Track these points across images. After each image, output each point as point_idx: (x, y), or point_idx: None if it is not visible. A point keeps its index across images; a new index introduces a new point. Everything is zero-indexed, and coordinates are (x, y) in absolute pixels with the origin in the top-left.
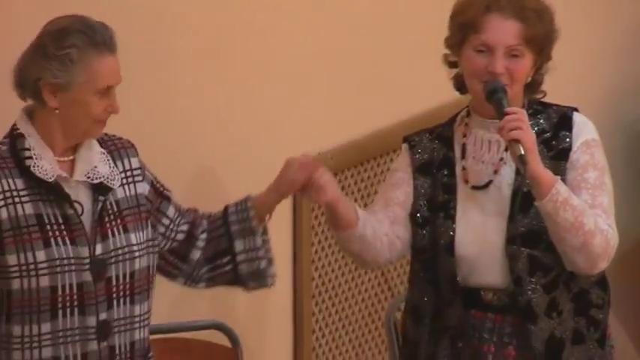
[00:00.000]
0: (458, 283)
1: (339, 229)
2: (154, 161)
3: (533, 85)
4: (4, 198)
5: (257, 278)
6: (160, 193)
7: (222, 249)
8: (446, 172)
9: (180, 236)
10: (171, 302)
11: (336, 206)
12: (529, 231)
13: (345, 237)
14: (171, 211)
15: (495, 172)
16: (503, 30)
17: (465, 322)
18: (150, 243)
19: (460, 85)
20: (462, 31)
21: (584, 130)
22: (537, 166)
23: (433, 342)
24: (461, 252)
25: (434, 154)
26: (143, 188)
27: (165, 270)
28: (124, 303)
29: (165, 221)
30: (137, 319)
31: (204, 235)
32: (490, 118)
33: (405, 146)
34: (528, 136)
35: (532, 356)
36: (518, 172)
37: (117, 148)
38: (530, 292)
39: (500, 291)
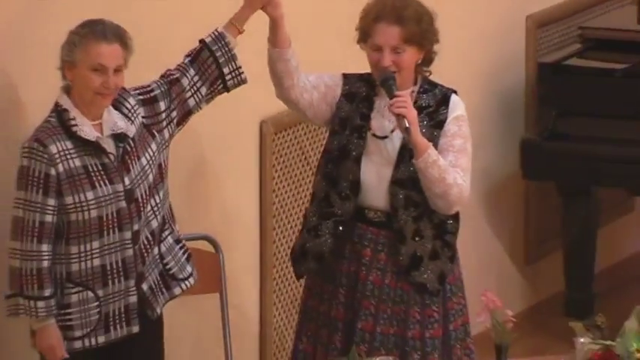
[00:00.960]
0: (358, 183)
1: (276, 46)
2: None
3: (423, 65)
4: (60, 157)
5: (239, 84)
6: (149, 101)
7: (214, 77)
8: (365, 106)
9: (175, 112)
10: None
11: (279, 23)
12: (408, 177)
13: (277, 54)
14: (161, 105)
15: (392, 131)
16: (387, 34)
17: (350, 221)
18: (156, 151)
19: None
20: (363, 35)
21: (457, 108)
22: (417, 135)
23: (318, 220)
24: (364, 173)
25: (359, 91)
26: (141, 113)
27: (184, 121)
28: (147, 206)
29: (163, 114)
30: (152, 209)
31: (195, 79)
32: None
33: (340, 76)
34: (411, 113)
35: (398, 262)
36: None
37: (118, 101)
38: (402, 222)
39: (381, 213)
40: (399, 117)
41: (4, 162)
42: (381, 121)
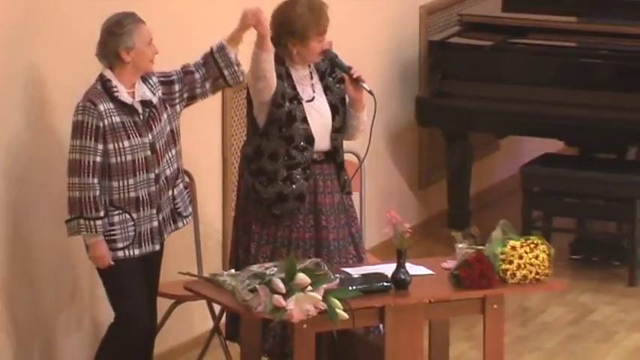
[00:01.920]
0: (311, 137)
1: (263, 50)
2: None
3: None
4: (105, 113)
5: (237, 83)
6: (167, 83)
7: (216, 76)
8: (289, 81)
9: (185, 94)
10: None
11: (265, 36)
12: (340, 125)
13: (265, 57)
14: (176, 87)
15: (313, 91)
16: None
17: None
18: (166, 120)
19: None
20: (301, 34)
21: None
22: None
23: (287, 171)
24: (313, 129)
25: (280, 71)
26: (161, 90)
27: (191, 102)
28: (164, 158)
29: (177, 94)
30: (169, 160)
31: (204, 75)
32: (304, 64)
33: None
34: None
35: (339, 185)
36: (325, 93)
37: (144, 78)
38: (341, 156)
39: (322, 154)
40: (359, 80)
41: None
42: (303, 89)
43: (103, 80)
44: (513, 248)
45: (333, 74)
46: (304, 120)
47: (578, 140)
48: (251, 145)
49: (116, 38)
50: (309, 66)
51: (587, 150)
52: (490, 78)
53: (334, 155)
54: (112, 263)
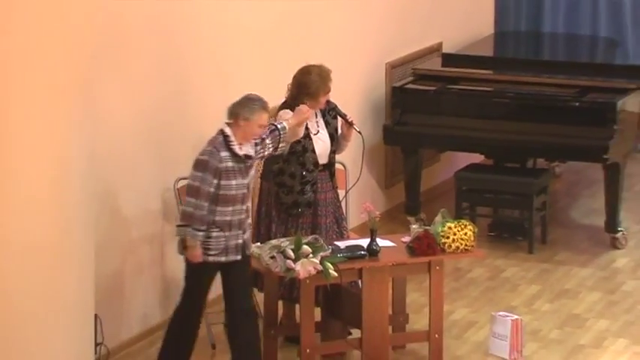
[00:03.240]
0: (317, 163)
1: (298, 127)
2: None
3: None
4: (224, 159)
5: (281, 151)
6: (261, 141)
7: (275, 146)
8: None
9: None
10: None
11: (305, 121)
12: (334, 148)
13: (298, 131)
14: (268, 140)
15: (318, 126)
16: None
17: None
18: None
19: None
20: (313, 94)
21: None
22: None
23: (300, 186)
24: (319, 156)
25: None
26: (258, 146)
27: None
28: (248, 196)
29: (267, 145)
30: (247, 198)
31: (268, 142)
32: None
33: (288, 110)
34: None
35: (333, 184)
36: (326, 126)
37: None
38: (334, 167)
39: (322, 166)
40: (352, 124)
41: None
42: (312, 125)
43: (223, 134)
44: (449, 228)
45: (330, 112)
46: (313, 150)
47: (493, 154)
48: (276, 165)
49: (243, 107)
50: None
51: (499, 161)
52: (433, 112)
53: (330, 166)
54: (201, 260)
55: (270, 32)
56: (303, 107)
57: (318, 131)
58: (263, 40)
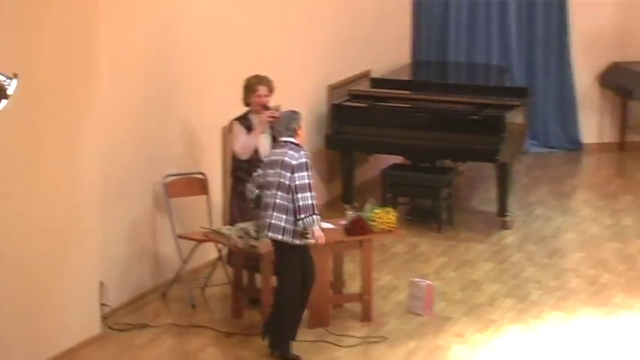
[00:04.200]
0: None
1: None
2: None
3: None
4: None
5: None
6: None
7: None
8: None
9: None
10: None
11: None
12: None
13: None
14: None
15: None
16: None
17: None
18: None
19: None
20: (255, 88)
21: None
22: None
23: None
24: (262, 152)
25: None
26: None
27: None
28: None
29: None
30: None
31: None
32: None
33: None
34: None
35: None
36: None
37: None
38: None
39: None
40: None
41: None
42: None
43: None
44: (377, 213)
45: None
46: (256, 151)
47: (411, 156)
48: (234, 161)
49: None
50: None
51: (415, 161)
52: (364, 124)
53: None
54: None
55: (239, 55)
56: (263, 114)
57: (264, 132)
58: (235, 61)
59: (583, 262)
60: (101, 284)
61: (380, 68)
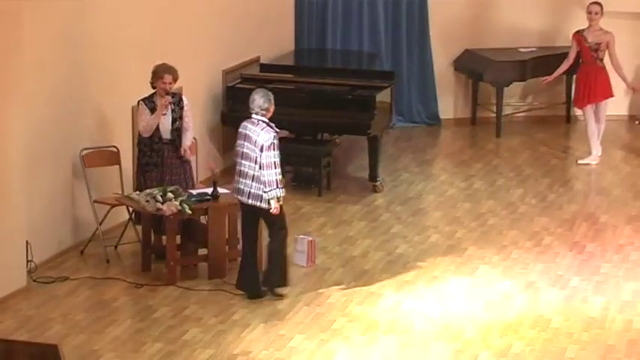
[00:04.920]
0: (161, 137)
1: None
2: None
3: None
4: None
5: None
6: None
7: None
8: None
9: None
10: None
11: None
12: (177, 129)
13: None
14: None
15: (166, 112)
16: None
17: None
18: None
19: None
20: (161, 74)
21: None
22: None
23: (150, 153)
24: (161, 130)
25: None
26: None
27: None
28: None
29: None
30: None
31: None
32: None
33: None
34: None
35: (177, 155)
36: (171, 113)
37: None
38: (175, 141)
39: (169, 140)
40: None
41: None
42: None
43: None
44: None
45: (178, 103)
46: (157, 128)
47: (295, 130)
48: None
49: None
50: None
51: (298, 135)
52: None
53: (173, 141)
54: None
55: (146, 43)
56: (164, 99)
57: (165, 114)
58: (142, 47)
59: (441, 219)
60: (27, 243)
61: (268, 55)
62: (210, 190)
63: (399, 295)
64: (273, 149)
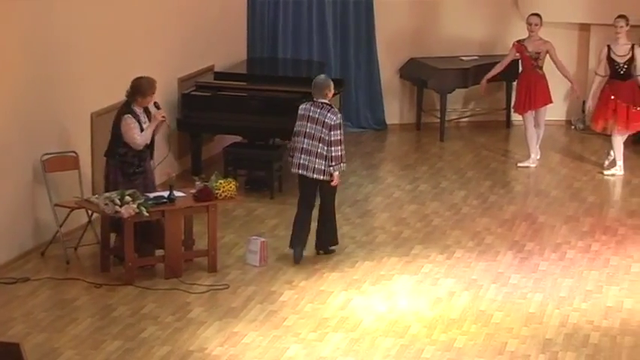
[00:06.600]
0: (147, 145)
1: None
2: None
3: None
4: None
5: None
6: None
7: None
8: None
9: None
10: None
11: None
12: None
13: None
14: None
15: (146, 121)
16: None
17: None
18: None
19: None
20: (146, 92)
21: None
22: None
23: (138, 162)
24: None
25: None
26: None
27: None
28: None
29: None
30: None
31: None
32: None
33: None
34: None
35: (150, 160)
36: (149, 121)
37: None
38: (153, 149)
39: (148, 146)
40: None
41: None
42: (144, 120)
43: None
44: (220, 183)
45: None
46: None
47: (247, 136)
48: (122, 149)
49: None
50: None
51: (251, 140)
52: (209, 109)
53: (151, 145)
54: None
55: (105, 52)
56: (156, 114)
57: (146, 122)
58: (101, 56)
59: (388, 220)
60: None
61: (222, 63)
62: (166, 194)
63: (348, 292)
64: (339, 128)
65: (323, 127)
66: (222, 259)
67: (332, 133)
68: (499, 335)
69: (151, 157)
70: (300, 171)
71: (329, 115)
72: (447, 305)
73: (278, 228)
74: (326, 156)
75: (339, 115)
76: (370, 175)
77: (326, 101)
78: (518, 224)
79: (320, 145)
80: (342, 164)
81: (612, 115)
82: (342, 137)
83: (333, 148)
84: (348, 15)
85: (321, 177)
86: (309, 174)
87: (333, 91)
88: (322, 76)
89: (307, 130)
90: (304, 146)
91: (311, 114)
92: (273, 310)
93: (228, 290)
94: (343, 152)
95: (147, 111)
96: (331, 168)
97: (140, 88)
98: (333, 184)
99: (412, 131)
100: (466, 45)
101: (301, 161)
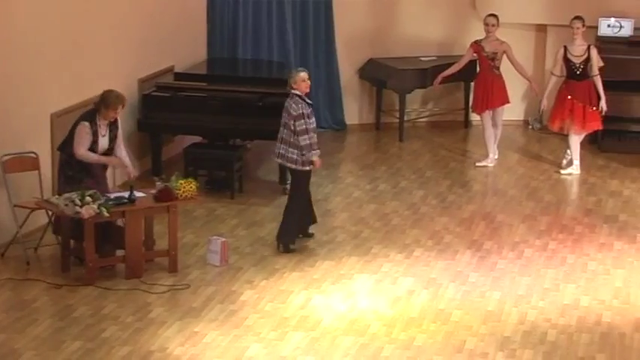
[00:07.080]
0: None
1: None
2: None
3: None
4: None
5: None
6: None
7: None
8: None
9: None
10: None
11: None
12: (111, 148)
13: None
14: None
15: (104, 133)
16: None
17: None
18: None
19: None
20: (113, 106)
21: None
22: None
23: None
24: (99, 149)
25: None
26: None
27: None
28: None
29: None
30: None
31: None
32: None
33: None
34: None
35: (104, 168)
36: (108, 134)
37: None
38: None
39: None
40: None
41: None
42: (101, 131)
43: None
44: (181, 183)
45: (114, 124)
46: (95, 150)
47: (208, 136)
48: (70, 147)
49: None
50: None
51: (211, 140)
52: (169, 110)
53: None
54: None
55: (65, 53)
56: (129, 167)
57: (104, 135)
58: (60, 57)
59: (348, 220)
60: None
61: (182, 64)
62: (127, 194)
63: (309, 292)
64: (303, 118)
65: (289, 116)
66: (182, 259)
67: (296, 123)
68: (458, 333)
69: (105, 168)
70: (279, 160)
71: (293, 105)
72: (407, 304)
73: (238, 228)
74: (297, 144)
75: (300, 105)
76: (330, 175)
77: (296, 92)
78: (477, 223)
79: (292, 134)
80: (312, 152)
81: (569, 115)
82: (309, 126)
83: (300, 138)
84: (308, 16)
85: (294, 166)
86: (285, 163)
87: (304, 82)
88: (300, 68)
89: (283, 120)
90: (283, 136)
91: (286, 104)
92: (234, 309)
93: (188, 290)
94: (313, 140)
95: (112, 125)
96: (303, 157)
97: (106, 100)
98: (316, 167)
99: (371, 131)
100: (425, 45)
101: (281, 150)
